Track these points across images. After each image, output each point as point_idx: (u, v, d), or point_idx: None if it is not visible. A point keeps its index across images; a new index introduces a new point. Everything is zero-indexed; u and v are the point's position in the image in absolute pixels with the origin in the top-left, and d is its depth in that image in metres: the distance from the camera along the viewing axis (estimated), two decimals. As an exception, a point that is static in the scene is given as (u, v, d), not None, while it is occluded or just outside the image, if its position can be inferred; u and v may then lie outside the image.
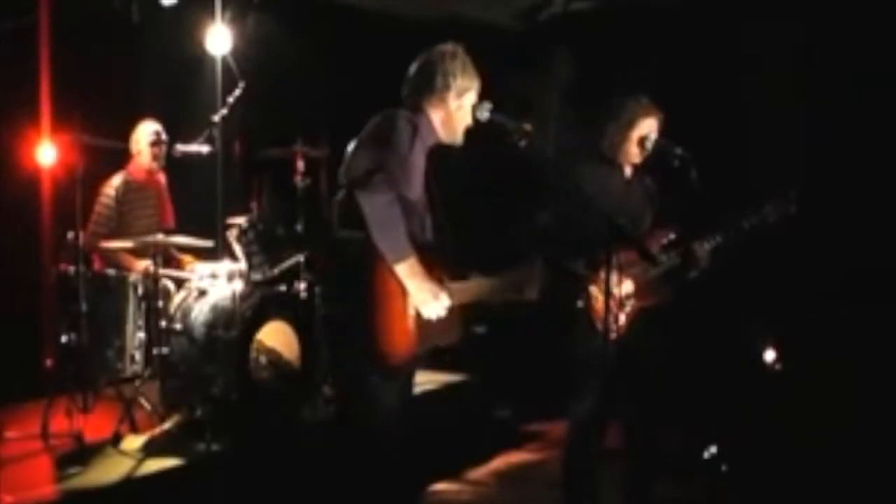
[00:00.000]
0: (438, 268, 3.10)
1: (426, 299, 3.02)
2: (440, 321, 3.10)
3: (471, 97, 3.18)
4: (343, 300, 3.21)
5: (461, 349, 3.39)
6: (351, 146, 3.06)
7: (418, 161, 3.08)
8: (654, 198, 3.95)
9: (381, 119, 3.08)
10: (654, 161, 3.86)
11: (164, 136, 5.18)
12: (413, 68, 3.21)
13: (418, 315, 3.08)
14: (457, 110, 3.15)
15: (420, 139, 3.06)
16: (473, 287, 3.24)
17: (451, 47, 3.18)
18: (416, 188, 3.08)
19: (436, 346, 3.19)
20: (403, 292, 3.02)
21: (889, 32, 5.24)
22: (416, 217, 3.08)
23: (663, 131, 3.83)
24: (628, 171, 3.90)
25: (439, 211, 3.21)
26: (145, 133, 5.17)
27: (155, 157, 5.17)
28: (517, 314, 6.48)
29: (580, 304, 3.73)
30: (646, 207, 3.91)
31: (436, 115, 3.14)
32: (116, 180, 5.13)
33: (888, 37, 5.25)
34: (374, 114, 3.26)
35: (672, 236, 3.80)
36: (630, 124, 3.78)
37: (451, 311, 3.13)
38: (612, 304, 3.60)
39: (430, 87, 3.12)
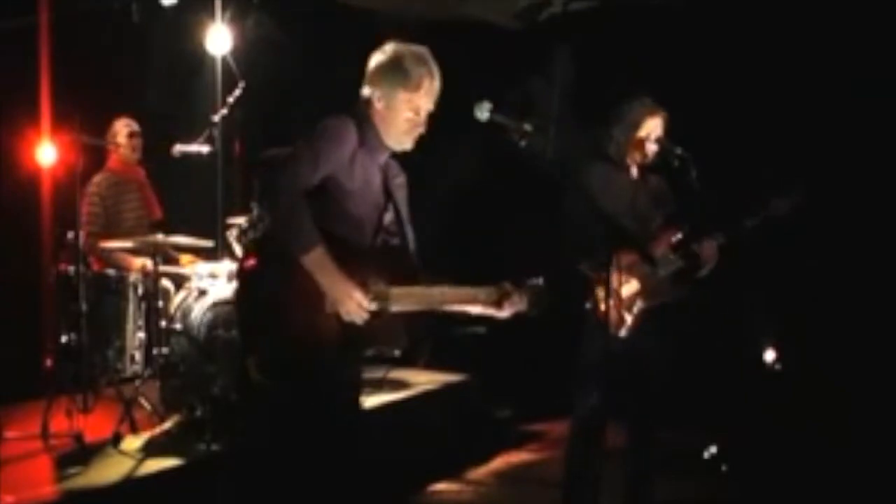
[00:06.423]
0: (375, 273, 2.94)
1: (340, 298, 2.86)
2: (379, 325, 2.93)
3: (403, 99, 3.01)
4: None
5: (461, 349, 3.31)
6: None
7: (360, 164, 3.00)
8: (663, 198, 3.94)
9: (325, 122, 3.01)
10: (655, 161, 3.87)
11: (137, 129, 5.26)
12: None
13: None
14: (387, 112, 3.02)
15: (354, 141, 2.98)
16: (420, 293, 2.99)
17: (381, 51, 3.07)
18: (357, 192, 3.00)
19: (378, 352, 3.02)
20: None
21: (889, 33, 5.24)
22: (351, 221, 3.00)
23: (665, 131, 3.83)
24: (634, 171, 3.90)
25: (400, 217, 3.10)
26: (122, 127, 5.24)
27: (134, 149, 5.27)
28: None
29: (588, 305, 3.73)
30: (654, 208, 3.90)
31: (377, 121, 3.06)
32: (97, 178, 5.18)
33: (888, 36, 5.25)
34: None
35: (680, 236, 3.80)
36: (636, 125, 3.81)
37: (396, 317, 2.95)
38: (618, 304, 3.60)
39: (361, 95, 3.08)
